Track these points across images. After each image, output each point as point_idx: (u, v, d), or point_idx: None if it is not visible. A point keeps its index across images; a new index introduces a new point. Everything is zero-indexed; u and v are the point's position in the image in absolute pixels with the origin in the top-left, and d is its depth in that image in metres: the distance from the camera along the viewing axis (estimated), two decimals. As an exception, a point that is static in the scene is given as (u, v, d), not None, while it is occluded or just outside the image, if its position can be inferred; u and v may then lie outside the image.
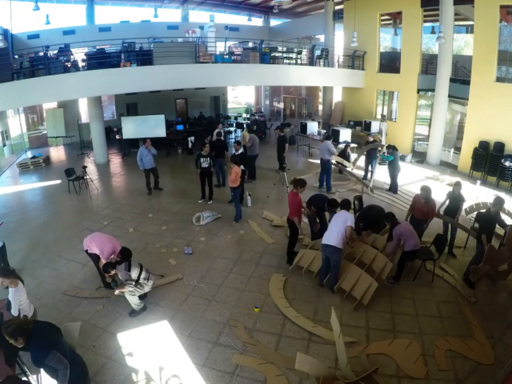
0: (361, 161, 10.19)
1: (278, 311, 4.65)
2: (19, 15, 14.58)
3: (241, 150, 8.75)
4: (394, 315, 4.59)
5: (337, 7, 15.49)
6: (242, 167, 7.68)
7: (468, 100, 10.40)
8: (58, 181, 10.01)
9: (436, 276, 5.39)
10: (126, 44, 10.45)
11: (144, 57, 10.35)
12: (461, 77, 11.37)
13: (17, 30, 13.82)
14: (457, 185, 6.10)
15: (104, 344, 4.12)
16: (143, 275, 4.50)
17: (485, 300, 4.88)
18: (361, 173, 10.10)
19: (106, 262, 4.56)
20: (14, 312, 3.39)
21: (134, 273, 4.42)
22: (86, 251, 5.03)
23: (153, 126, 12.61)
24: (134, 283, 4.38)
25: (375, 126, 12.87)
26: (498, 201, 5.11)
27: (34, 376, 3.38)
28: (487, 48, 9.54)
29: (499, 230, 5.68)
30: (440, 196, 8.64)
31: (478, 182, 9.61)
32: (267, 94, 21.90)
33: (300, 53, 14.21)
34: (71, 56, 10.19)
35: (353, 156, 11.10)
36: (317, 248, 5.61)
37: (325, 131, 14.12)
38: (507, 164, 8.93)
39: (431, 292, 5.09)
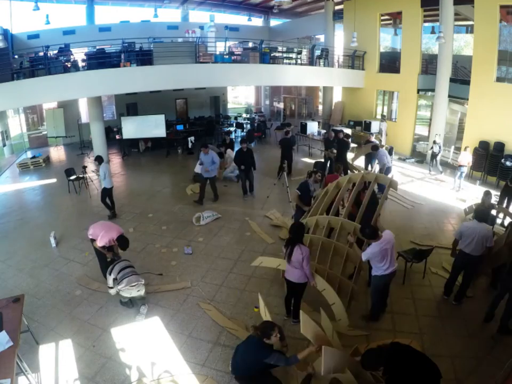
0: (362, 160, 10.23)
1: (278, 310, 4.64)
2: (19, 15, 14.56)
3: None
4: (394, 315, 4.59)
5: (337, 7, 15.51)
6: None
7: (467, 99, 10.40)
8: (59, 181, 10.00)
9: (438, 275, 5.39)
10: (126, 44, 10.44)
11: (144, 57, 10.34)
12: (461, 77, 11.38)
13: (17, 30, 13.82)
14: None
15: (104, 344, 4.12)
16: (117, 275, 4.52)
17: (486, 299, 4.88)
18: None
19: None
20: None
21: (113, 274, 4.53)
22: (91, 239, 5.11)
23: (153, 126, 12.62)
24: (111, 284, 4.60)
25: (375, 126, 12.88)
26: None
27: (34, 375, 3.38)
28: (487, 48, 9.54)
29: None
30: (436, 196, 8.75)
31: (478, 182, 9.62)
32: (267, 94, 21.90)
33: (299, 53, 14.22)
34: (71, 56, 10.18)
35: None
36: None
37: (325, 131, 14.11)
38: (507, 163, 8.93)
39: (431, 292, 5.09)
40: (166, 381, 3.63)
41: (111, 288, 4.60)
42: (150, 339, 4.21)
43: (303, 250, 4.00)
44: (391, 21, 15.72)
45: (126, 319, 4.52)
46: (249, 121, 16.69)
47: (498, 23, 9.32)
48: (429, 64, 13.05)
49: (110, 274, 4.57)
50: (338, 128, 12.24)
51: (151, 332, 4.33)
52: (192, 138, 13.28)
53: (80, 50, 11.32)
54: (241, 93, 28.02)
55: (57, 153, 13.71)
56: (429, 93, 12.38)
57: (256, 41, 12.85)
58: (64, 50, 10.18)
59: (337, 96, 16.74)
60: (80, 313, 4.63)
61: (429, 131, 12.16)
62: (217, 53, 11.93)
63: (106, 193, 7.47)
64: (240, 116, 18.10)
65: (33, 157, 11.99)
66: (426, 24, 12.98)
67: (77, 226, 7.22)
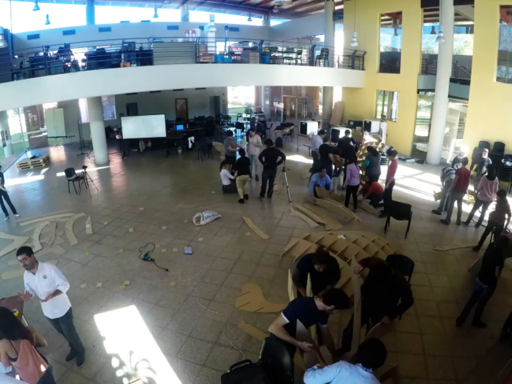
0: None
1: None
2: (19, 15, 14.56)
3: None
4: (394, 315, 4.59)
5: (337, 7, 15.50)
6: None
7: (467, 99, 10.41)
8: (59, 181, 10.00)
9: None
10: (126, 44, 10.44)
11: (144, 57, 10.35)
12: (461, 77, 11.38)
13: (17, 30, 13.80)
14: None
15: (104, 344, 4.12)
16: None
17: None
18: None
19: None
20: None
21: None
22: None
23: (153, 126, 12.62)
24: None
25: (375, 126, 12.87)
26: None
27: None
28: (487, 48, 9.55)
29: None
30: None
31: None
32: (267, 94, 21.89)
33: (299, 53, 14.21)
34: (71, 56, 10.19)
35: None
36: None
37: (325, 131, 14.07)
38: (507, 164, 8.92)
39: (431, 291, 5.09)
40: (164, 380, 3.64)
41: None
42: (149, 339, 4.20)
43: None
44: (391, 21, 15.72)
45: (125, 319, 4.53)
46: (249, 121, 16.69)
47: (498, 23, 9.33)
48: (429, 64, 13.05)
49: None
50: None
51: (151, 331, 4.33)
52: (192, 138, 13.30)
53: (80, 50, 11.33)
54: (241, 93, 28.01)
55: (57, 153, 13.70)
56: (429, 93, 12.39)
57: (256, 41, 12.85)
58: (64, 50, 10.18)
59: (337, 96, 16.74)
60: (80, 313, 4.63)
61: (429, 131, 12.17)
62: (217, 53, 11.93)
63: None
64: (240, 116, 18.10)
65: (33, 157, 11.99)
66: (426, 24, 12.99)
67: (76, 226, 7.22)
